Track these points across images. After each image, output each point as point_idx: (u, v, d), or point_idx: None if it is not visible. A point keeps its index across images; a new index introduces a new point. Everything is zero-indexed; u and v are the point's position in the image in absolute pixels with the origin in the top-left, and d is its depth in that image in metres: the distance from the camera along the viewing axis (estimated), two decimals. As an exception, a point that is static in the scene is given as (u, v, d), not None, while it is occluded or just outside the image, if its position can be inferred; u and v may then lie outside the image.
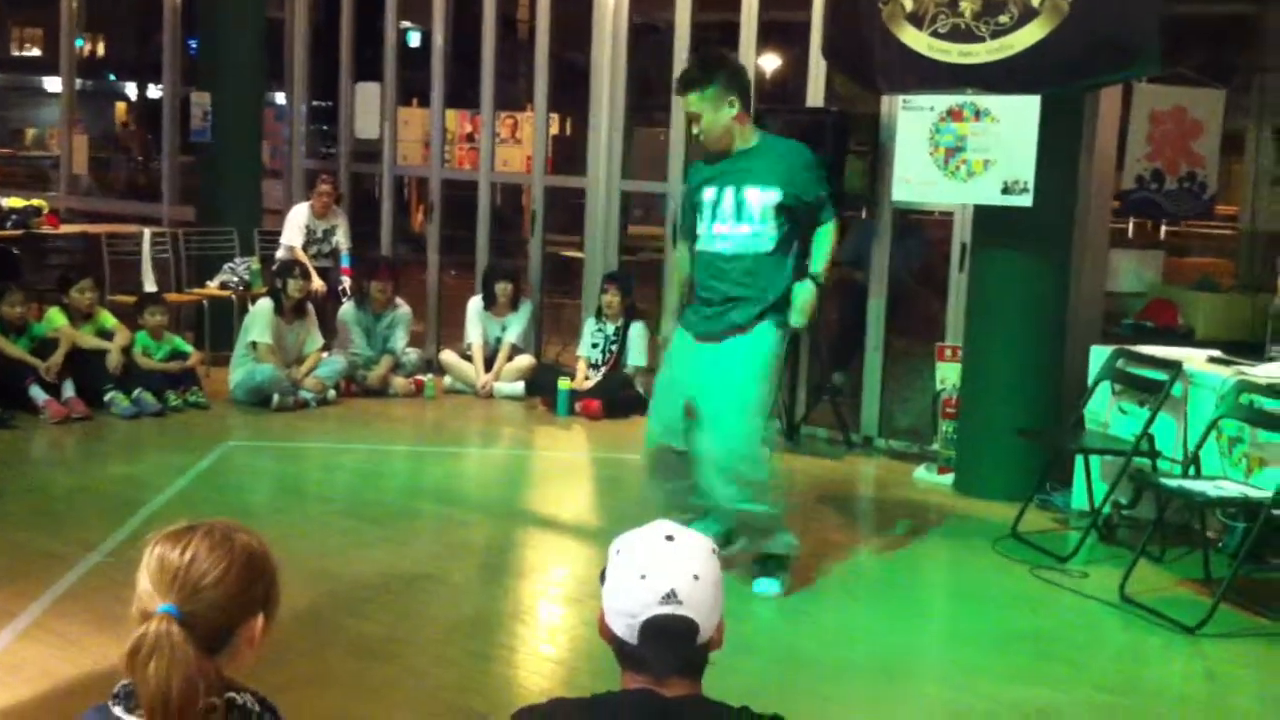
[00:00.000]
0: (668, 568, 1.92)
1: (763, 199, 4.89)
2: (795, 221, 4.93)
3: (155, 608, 1.77)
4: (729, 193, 4.93)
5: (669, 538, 1.96)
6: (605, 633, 1.99)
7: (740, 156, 4.96)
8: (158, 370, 7.82)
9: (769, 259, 4.91)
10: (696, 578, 1.92)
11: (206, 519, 1.89)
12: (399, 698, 4.04)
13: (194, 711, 1.74)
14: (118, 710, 1.80)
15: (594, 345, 8.54)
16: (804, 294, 4.89)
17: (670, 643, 1.91)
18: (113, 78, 24.63)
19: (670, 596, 1.90)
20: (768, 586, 5.03)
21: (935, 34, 6.34)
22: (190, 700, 1.73)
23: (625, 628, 1.93)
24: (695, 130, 5.00)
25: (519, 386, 8.64)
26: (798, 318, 4.91)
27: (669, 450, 5.06)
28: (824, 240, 4.96)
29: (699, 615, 1.92)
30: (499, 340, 8.78)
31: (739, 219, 4.92)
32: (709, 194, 4.99)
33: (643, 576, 1.92)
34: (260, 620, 1.86)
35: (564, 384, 8.28)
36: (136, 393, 7.59)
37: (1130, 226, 10.78)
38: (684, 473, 5.04)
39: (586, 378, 8.43)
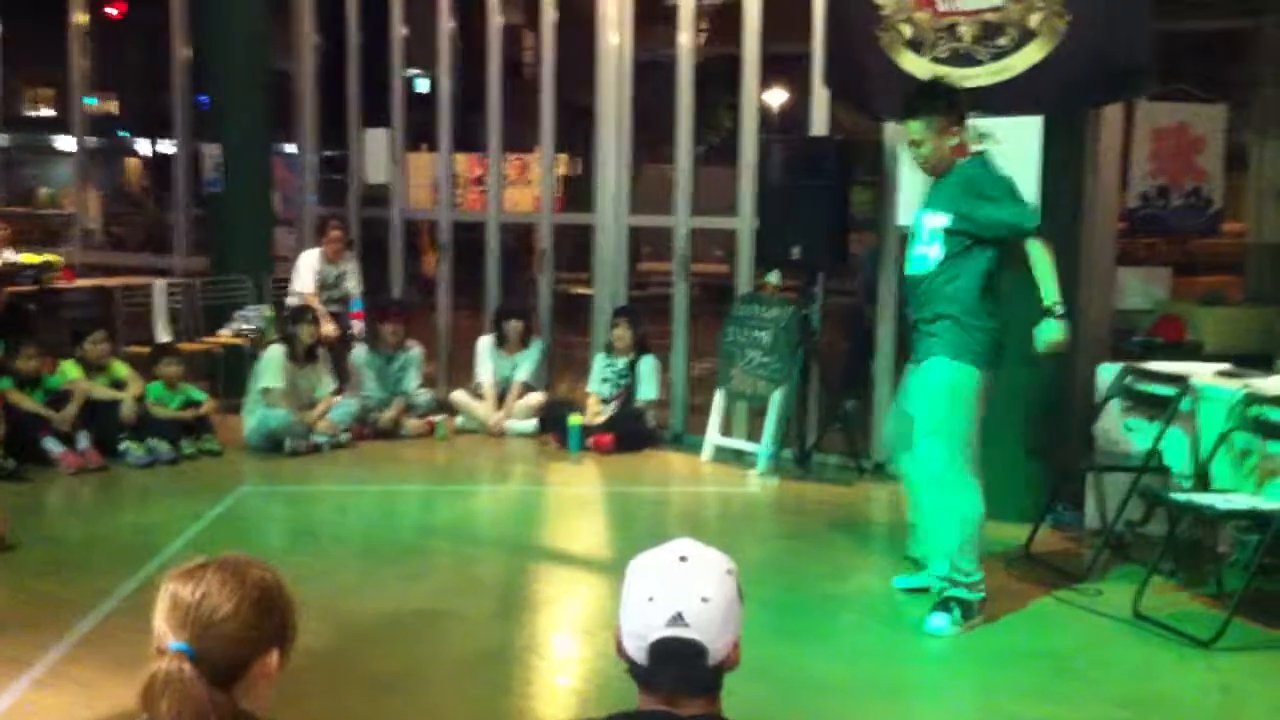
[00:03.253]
0: (676, 590, 1.91)
1: (932, 222, 5.01)
2: (967, 244, 4.94)
3: (168, 645, 1.80)
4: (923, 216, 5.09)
5: (682, 558, 1.95)
6: (620, 653, 1.98)
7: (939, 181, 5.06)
8: (171, 419, 7.86)
9: (935, 280, 4.99)
10: (705, 600, 1.90)
11: (221, 555, 1.92)
12: (413, 732, 4.06)
13: None
14: None
15: (604, 380, 8.56)
16: (1043, 332, 4.95)
17: (677, 665, 1.90)
18: (125, 134, 24.93)
19: (677, 619, 1.89)
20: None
21: (936, 59, 6.39)
22: None
23: (636, 649, 1.93)
24: (914, 156, 5.10)
25: (531, 424, 8.66)
26: (1040, 347, 5.00)
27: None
28: (1038, 264, 4.92)
29: (706, 637, 1.90)
30: (509, 379, 8.82)
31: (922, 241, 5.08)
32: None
33: (650, 599, 1.91)
34: (275, 655, 1.88)
35: (575, 419, 8.30)
36: (150, 441, 7.64)
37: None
38: None
39: (597, 413, 8.45)
